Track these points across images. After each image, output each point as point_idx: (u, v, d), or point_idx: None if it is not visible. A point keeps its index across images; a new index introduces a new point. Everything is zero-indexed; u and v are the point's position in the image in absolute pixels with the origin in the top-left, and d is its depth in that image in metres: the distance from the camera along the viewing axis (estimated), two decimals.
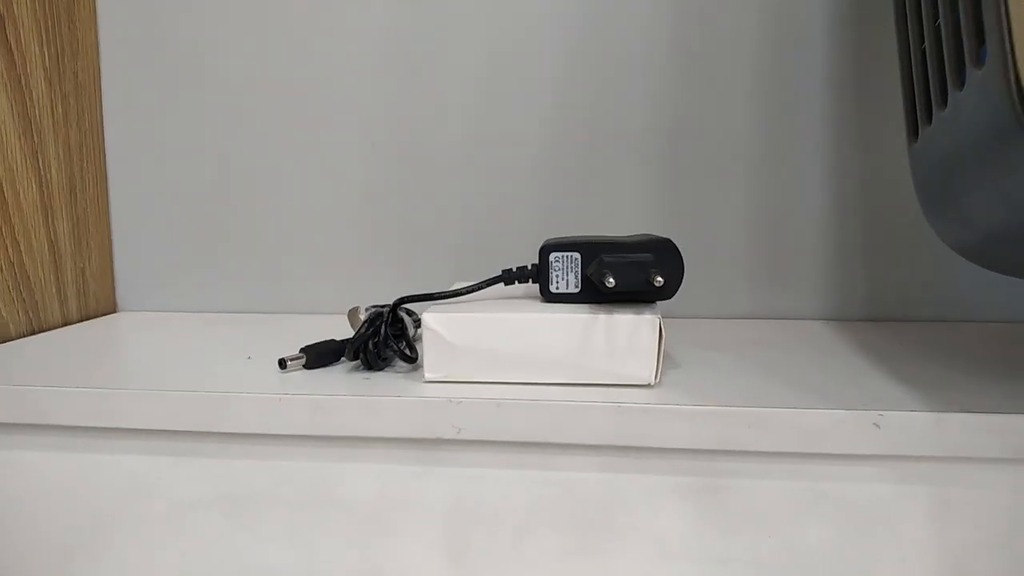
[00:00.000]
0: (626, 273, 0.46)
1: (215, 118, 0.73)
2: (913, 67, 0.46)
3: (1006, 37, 0.34)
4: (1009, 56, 0.34)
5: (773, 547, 0.43)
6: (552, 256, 0.48)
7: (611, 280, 0.45)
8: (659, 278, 0.45)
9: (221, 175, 0.73)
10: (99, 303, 0.73)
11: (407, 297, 0.51)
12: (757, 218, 0.68)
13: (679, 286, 0.48)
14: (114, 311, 0.76)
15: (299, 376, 0.49)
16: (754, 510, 0.43)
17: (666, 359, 0.52)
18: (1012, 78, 0.33)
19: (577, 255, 0.48)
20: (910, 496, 0.42)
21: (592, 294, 0.48)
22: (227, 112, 0.73)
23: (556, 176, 0.69)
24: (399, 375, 0.49)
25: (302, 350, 0.52)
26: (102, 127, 0.73)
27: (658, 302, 0.48)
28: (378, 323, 0.50)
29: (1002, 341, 0.58)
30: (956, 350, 0.55)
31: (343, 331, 0.62)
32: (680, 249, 0.48)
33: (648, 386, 0.46)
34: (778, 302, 0.68)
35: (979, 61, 0.37)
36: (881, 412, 0.41)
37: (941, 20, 0.41)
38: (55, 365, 0.53)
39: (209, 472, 0.47)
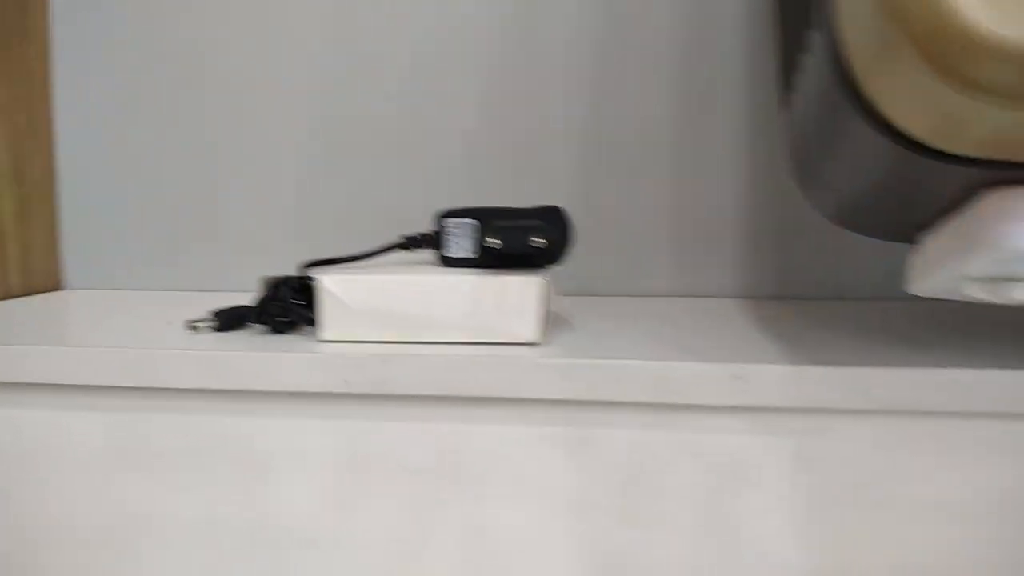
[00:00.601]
0: (511, 236, 0.48)
1: (163, 100, 0.75)
2: (780, 34, 0.48)
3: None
4: (833, 19, 0.36)
5: (641, 495, 0.45)
6: (448, 222, 0.51)
7: (496, 242, 0.47)
8: (538, 239, 0.47)
9: (169, 157, 0.76)
10: (44, 281, 0.75)
11: (312, 262, 0.53)
12: (676, 201, 0.70)
13: (565, 251, 0.50)
14: (59, 289, 0.78)
15: (207, 337, 0.52)
16: (623, 460, 0.45)
17: (566, 326, 0.54)
18: (835, 40, 0.35)
19: (472, 221, 0.50)
20: (771, 447, 0.44)
21: (487, 259, 0.50)
22: (175, 94, 0.75)
23: (486, 159, 0.71)
24: (301, 337, 0.51)
25: (214, 314, 0.54)
26: (51, 110, 0.76)
27: (553, 268, 0.51)
28: (282, 288, 0.52)
29: (902, 316, 0.60)
30: (848, 321, 0.57)
31: None
32: (569, 217, 0.50)
33: (534, 344, 0.48)
34: (695, 281, 0.70)
35: (819, 25, 0.39)
36: (742, 364, 0.43)
37: None
38: None
39: (114, 425, 0.49)
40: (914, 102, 0.33)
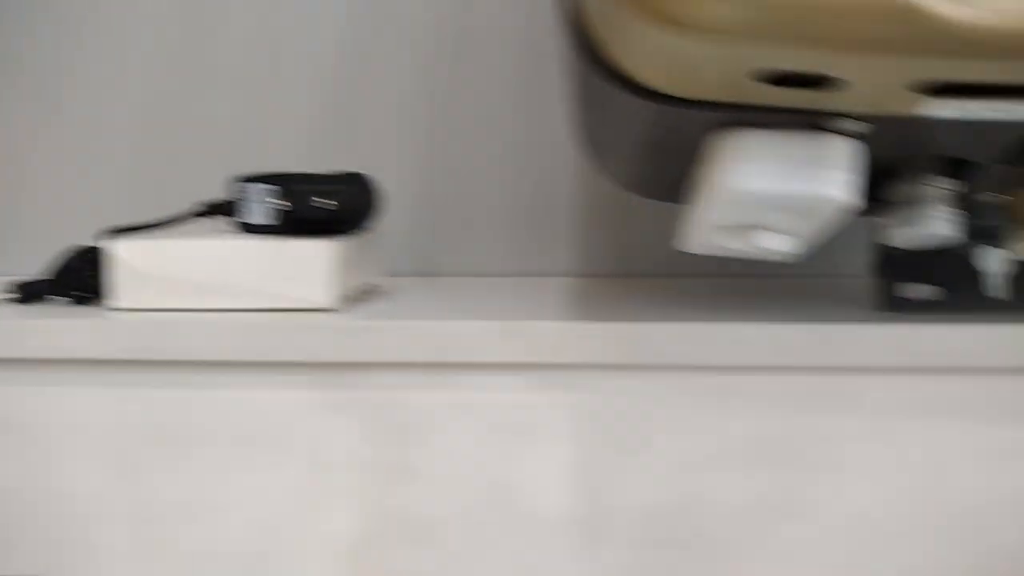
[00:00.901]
0: (299, 199, 0.48)
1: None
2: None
3: None
4: None
5: (423, 457, 0.45)
6: (245, 187, 0.50)
7: (285, 204, 0.47)
8: (322, 201, 0.46)
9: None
10: None
11: (114, 229, 0.52)
12: (514, 181, 0.70)
13: (366, 217, 0.50)
14: None
15: (3, 310, 0.50)
16: (404, 420, 0.45)
17: (378, 298, 0.53)
18: (575, 4, 0.36)
19: (271, 186, 0.50)
20: (549, 403, 0.44)
21: (287, 226, 0.50)
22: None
23: (320, 137, 0.70)
24: (98, 307, 0.50)
25: (17, 287, 0.52)
26: None
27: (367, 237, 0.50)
28: (79, 257, 0.51)
29: (729, 288, 0.60)
30: (663, 293, 0.57)
31: None
32: (373, 183, 0.49)
33: (329, 311, 0.47)
34: (535, 260, 0.70)
35: None
36: (517, 321, 0.43)
37: None
38: None
39: None
40: (646, 53, 0.34)
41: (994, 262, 0.45)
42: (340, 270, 0.48)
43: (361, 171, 0.50)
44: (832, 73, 0.30)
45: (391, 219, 0.65)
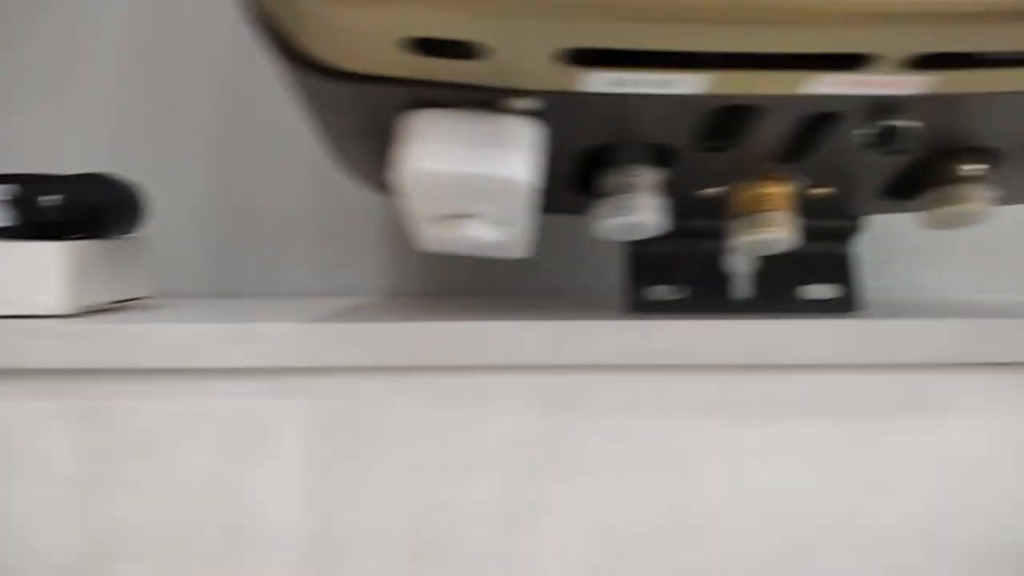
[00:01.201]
0: (27, 197, 0.45)
1: None
2: None
3: None
4: None
5: (149, 468, 0.42)
6: None
7: (13, 197, 0.45)
8: (47, 198, 0.44)
9: None
10: None
11: None
12: (319, 199, 0.68)
13: (114, 222, 0.48)
14: None
15: None
16: (130, 429, 0.42)
17: (136, 310, 0.51)
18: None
19: (8, 187, 0.47)
20: (281, 409, 0.42)
21: (25, 229, 0.47)
22: None
23: (122, 151, 0.68)
24: None
25: None
26: None
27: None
28: None
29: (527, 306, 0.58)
30: (441, 307, 0.55)
31: None
32: (124, 184, 0.47)
33: (62, 316, 0.45)
34: (345, 280, 0.68)
35: None
36: (246, 324, 0.41)
37: None
38: None
39: None
40: (313, 26, 0.32)
41: (738, 263, 0.45)
42: (73, 275, 0.45)
43: (109, 172, 0.48)
44: (472, 38, 0.29)
45: (189, 237, 0.63)
